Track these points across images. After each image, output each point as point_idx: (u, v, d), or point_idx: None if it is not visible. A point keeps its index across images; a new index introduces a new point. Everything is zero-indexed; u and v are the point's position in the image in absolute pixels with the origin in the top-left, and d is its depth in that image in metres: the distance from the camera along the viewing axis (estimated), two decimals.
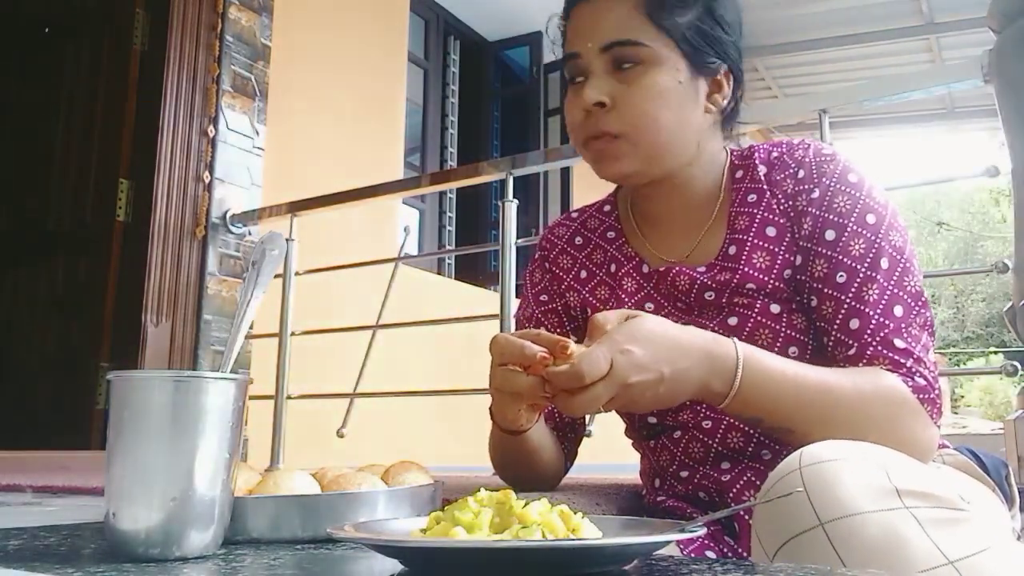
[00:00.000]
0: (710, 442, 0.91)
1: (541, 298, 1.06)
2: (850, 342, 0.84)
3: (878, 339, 0.83)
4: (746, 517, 0.85)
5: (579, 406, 0.71)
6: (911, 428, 0.80)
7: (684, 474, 0.94)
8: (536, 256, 1.10)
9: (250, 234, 3.34)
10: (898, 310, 0.84)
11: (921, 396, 0.81)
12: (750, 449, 0.90)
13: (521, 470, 0.99)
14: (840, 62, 5.77)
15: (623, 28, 0.88)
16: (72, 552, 0.64)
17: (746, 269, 0.90)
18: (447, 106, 5.61)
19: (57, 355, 3.27)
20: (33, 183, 3.54)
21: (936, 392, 0.82)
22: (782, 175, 0.92)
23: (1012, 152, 1.48)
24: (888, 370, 0.82)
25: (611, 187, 1.08)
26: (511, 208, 2.32)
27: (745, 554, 0.85)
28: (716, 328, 0.89)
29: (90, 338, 3.16)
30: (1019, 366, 1.77)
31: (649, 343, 0.72)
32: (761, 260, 0.90)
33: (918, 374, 0.82)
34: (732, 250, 0.92)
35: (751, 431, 0.90)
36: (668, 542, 0.53)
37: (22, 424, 3.27)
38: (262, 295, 0.73)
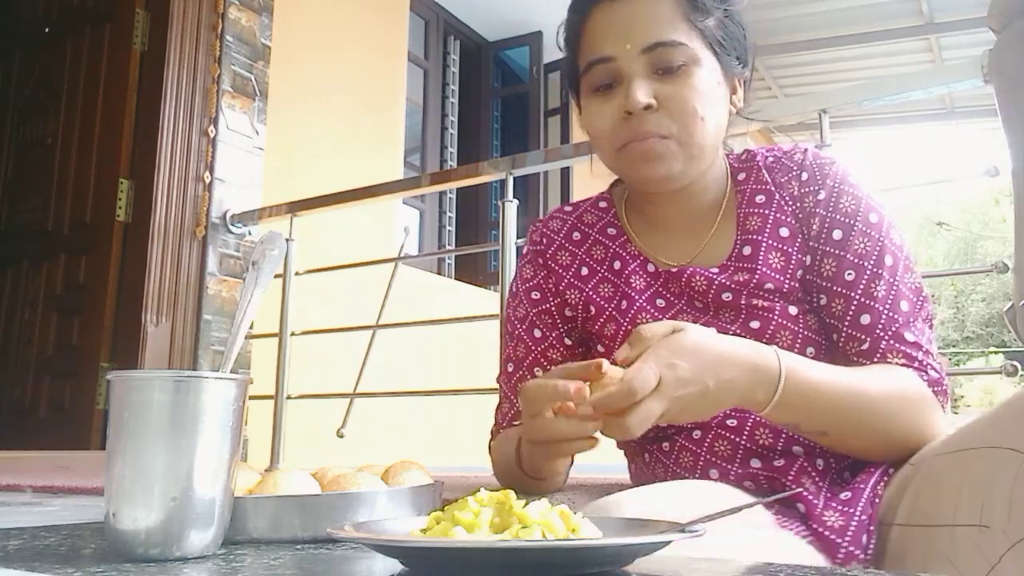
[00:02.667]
0: (738, 440, 0.90)
1: (533, 295, 1.04)
2: (863, 337, 0.87)
3: (889, 333, 0.86)
4: (811, 499, 0.83)
5: (633, 425, 0.69)
6: (930, 420, 0.83)
7: (714, 473, 0.91)
8: (527, 251, 1.07)
9: (250, 234, 3.34)
10: (904, 305, 0.87)
11: (935, 389, 0.85)
12: (780, 446, 0.89)
13: (531, 490, 0.97)
14: (840, 62, 5.77)
15: (665, 29, 0.87)
16: (72, 552, 0.64)
17: (764, 270, 0.91)
18: (447, 106, 5.61)
19: (57, 355, 3.27)
20: (33, 183, 3.54)
21: (946, 384, 0.86)
22: (786, 177, 0.94)
23: (1012, 152, 1.48)
24: (903, 364, 0.85)
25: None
26: (511, 208, 2.32)
27: (820, 531, 0.82)
28: (738, 332, 0.90)
29: (90, 338, 3.16)
30: (1019, 366, 1.77)
31: (695, 356, 0.73)
32: (777, 260, 0.91)
33: (930, 367, 0.86)
34: (747, 250, 0.92)
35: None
36: (668, 542, 0.53)
37: (22, 424, 3.27)
38: (262, 295, 0.73)
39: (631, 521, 0.63)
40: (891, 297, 0.87)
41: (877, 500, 0.82)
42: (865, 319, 0.87)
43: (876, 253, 0.88)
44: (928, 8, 4.95)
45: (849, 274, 0.88)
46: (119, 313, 3.13)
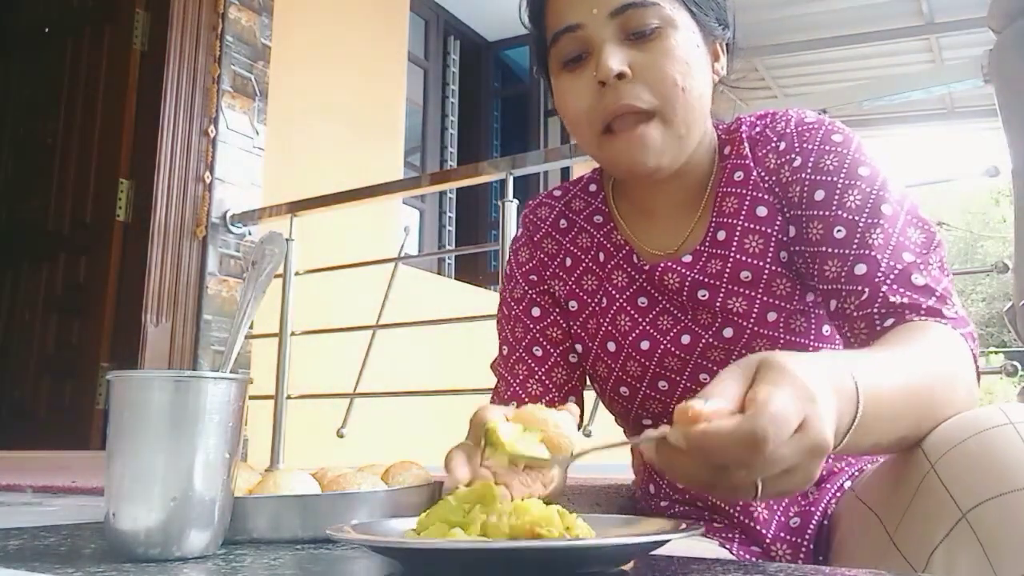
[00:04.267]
0: None
1: (531, 278, 0.98)
2: (860, 288, 0.75)
3: (892, 277, 0.74)
4: (762, 512, 0.83)
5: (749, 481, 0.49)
6: (969, 370, 0.71)
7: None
8: (520, 234, 1.01)
9: (250, 234, 3.34)
10: (907, 256, 0.75)
11: (961, 331, 0.72)
12: None
13: None
14: (840, 62, 5.76)
15: None
16: (72, 552, 0.64)
17: (738, 256, 0.83)
18: (447, 106, 5.61)
19: (57, 355, 3.27)
20: (33, 183, 3.54)
21: (971, 326, 0.74)
22: (764, 150, 0.86)
23: (1012, 152, 1.49)
24: (908, 305, 0.73)
25: None
26: (511, 208, 2.32)
27: (756, 548, 0.83)
28: (712, 340, 0.84)
29: (90, 338, 3.16)
30: (1019, 366, 1.77)
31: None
32: (754, 244, 0.83)
33: (947, 308, 0.73)
34: (721, 235, 0.84)
35: None
36: (666, 542, 0.53)
37: (22, 424, 3.27)
38: (262, 295, 0.73)
39: (629, 520, 0.63)
40: (891, 246, 0.75)
41: (826, 521, 0.81)
42: (860, 268, 0.75)
43: (870, 205, 0.76)
44: (928, 8, 4.94)
45: (839, 231, 0.77)
46: (119, 313, 3.13)
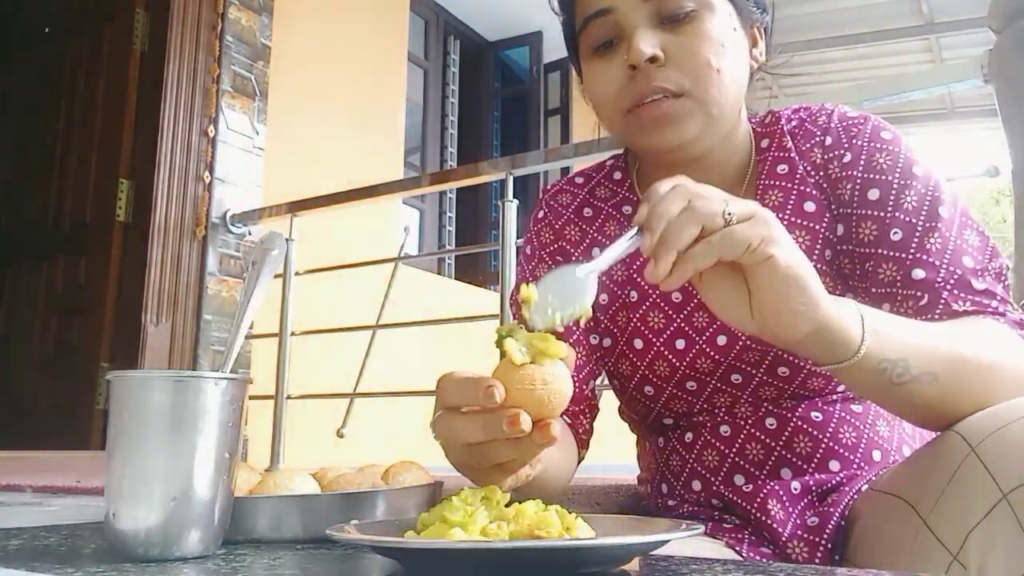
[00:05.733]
0: (726, 451, 0.84)
1: (558, 258, 0.94)
2: (919, 293, 0.73)
3: (952, 282, 0.73)
4: (778, 512, 0.80)
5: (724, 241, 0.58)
6: None
7: (696, 484, 0.86)
8: (541, 216, 0.97)
9: (250, 234, 3.34)
10: (968, 260, 0.74)
11: (1022, 333, 0.71)
12: (770, 463, 0.82)
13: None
14: (840, 62, 5.76)
15: None
16: (72, 552, 0.64)
17: None
18: (447, 106, 5.61)
19: (57, 355, 3.27)
20: (33, 183, 3.54)
21: None
22: (808, 144, 0.84)
23: (1012, 152, 1.49)
24: (973, 311, 0.72)
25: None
26: (511, 208, 2.33)
27: (768, 550, 0.80)
28: (749, 342, 0.82)
29: (90, 338, 3.16)
30: None
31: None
32: (801, 240, 0.81)
33: (1010, 310, 0.72)
34: None
35: (772, 443, 0.82)
36: (667, 541, 0.53)
37: (22, 424, 3.27)
38: (262, 295, 0.73)
39: (629, 520, 0.63)
40: (949, 251, 0.74)
41: (843, 522, 0.79)
42: (919, 274, 0.74)
43: (927, 207, 0.75)
44: (928, 8, 4.94)
45: (896, 233, 0.76)
46: (119, 313, 3.13)
